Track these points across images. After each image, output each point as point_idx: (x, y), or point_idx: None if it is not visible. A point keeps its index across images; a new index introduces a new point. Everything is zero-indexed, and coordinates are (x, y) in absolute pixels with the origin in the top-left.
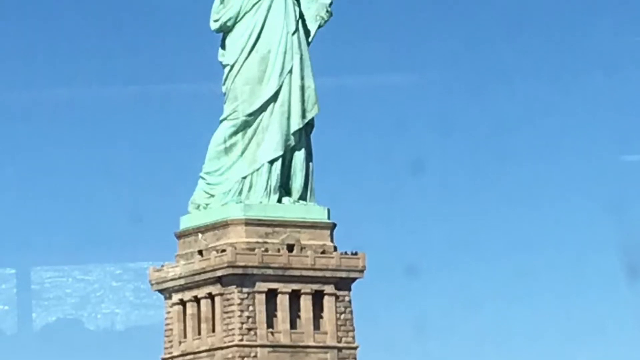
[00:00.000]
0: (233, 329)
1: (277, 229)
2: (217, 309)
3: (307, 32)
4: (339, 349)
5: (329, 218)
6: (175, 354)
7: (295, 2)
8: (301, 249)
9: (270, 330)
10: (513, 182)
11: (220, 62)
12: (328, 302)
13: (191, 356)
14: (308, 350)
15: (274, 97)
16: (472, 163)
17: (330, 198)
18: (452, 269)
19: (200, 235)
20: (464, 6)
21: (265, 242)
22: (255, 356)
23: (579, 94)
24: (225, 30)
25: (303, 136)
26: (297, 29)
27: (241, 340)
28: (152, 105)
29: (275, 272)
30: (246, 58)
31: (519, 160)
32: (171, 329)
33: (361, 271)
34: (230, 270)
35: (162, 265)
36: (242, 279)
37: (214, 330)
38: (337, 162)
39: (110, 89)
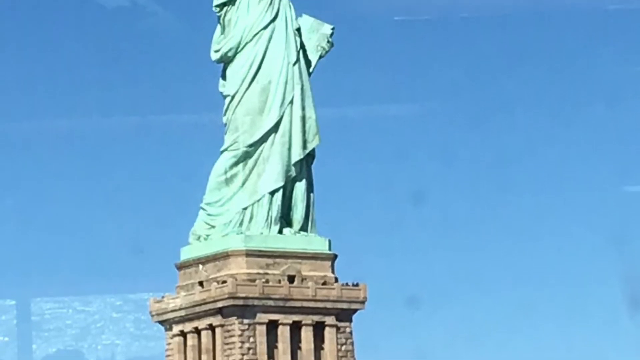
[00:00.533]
0: None
1: (278, 260)
2: (217, 340)
3: (308, 63)
4: None
5: (330, 249)
6: None
7: (296, 32)
8: (302, 280)
9: None
10: (515, 213)
11: (221, 93)
12: (329, 334)
13: None
14: None
15: (275, 128)
16: (474, 194)
17: (331, 229)
18: (453, 300)
19: (200, 266)
20: (466, 37)
21: (266, 273)
22: None
23: (581, 125)
24: (226, 60)
25: (304, 167)
26: (298, 60)
27: None
28: (152, 136)
29: (276, 303)
30: (247, 89)
31: (521, 191)
32: None
33: (362, 302)
34: (231, 302)
35: (163, 297)
36: (243, 310)
37: None
38: (338, 193)
39: (111, 120)
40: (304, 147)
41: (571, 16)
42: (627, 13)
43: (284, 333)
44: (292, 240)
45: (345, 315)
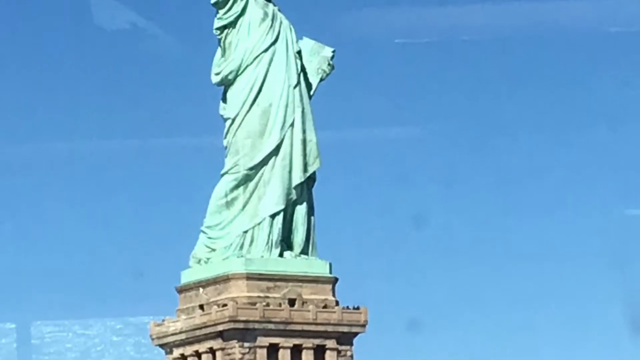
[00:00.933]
0: None
1: (278, 283)
2: None
3: (308, 86)
4: None
5: (330, 272)
6: None
7: (297, 55)
8: (303, 303)
9: None
10: (516, 236)
11: (222, 116)
12: (330, 357)
13: None
14: None
15: (276, 151)
16: (475, 217)
17: (332, 252)
18: (454, 323)
19: (201, 289)
20: (467, 60)
21: (267, 297)
22: None
23: (583, 147)
24: (226, 83)
25: (305, 190)
26: (298, 83)
27: None
28: (152, 159)
29: (277, 326)
30: (247, 111)
31: (522, 214)
32: None
33: (363, 326)
34: (231, 325)
35: (163, 320)
36: (244, 333)
37: None
38: (339, 216)
39: (111, 143)
40: (305, 170)
41: (572, 39)
42: (628, 36)
43: (284, 356)
44: (293, 263)
45: (346, 338)
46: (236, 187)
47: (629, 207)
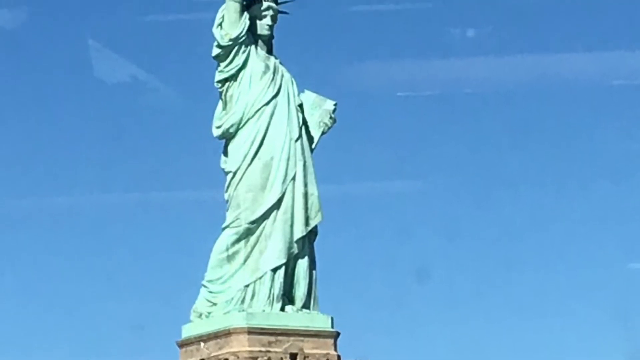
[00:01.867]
0: None
1: (280, 337)
2: None
3: (310, 139)
4: None
5: (332, 327)
6: None
7: (299, 108)
8: (304, 358)
9: None
10: (519, 290)
11: (223, 169)
12: None
13: None
14: None
15: (277, 205)
16: (478, 270)
17: (334, 306)
18: None
19: (202, 344)
20: (469, 113)
21: (268, 351)
22: None
23: (585, 201)
24: (227, 136)
25: (306, 244)
26: (300, 136)
27: None
28: (153, 213)
29: None
30: (249, 165)
31: (525, 267)
32: None
33: None
34: None
35: None
36: None
37: None
38: (341, 270)
39: (111, 196)
40: (306, 224)
41: (575, 92)
42: (632, 89)
43: None
44: (295, 317)
45: None
46: (237, 241)
47: (632, 261)
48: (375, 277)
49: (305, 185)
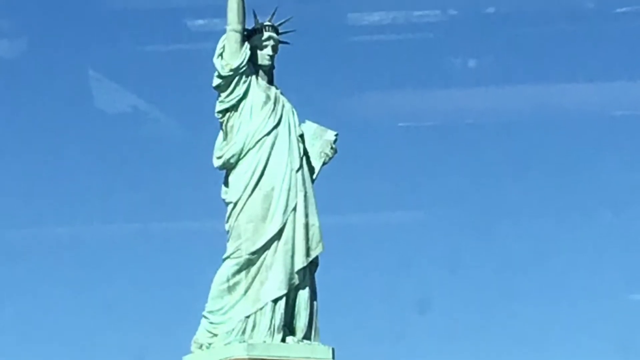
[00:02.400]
0: None
1: None
2: None
3: (311, 169)
4: None
5: (333, 358)
6: None
7: (299, 138)
8: None
9: None
10: (520, 321)
11: (223, 200)
12: None
13: None
14: None
15: (278, 235)
16: (479, 302)
17: (335, 337)
18: None
19: None
20: (471, 143)
21: None
22: None
23: (587, 232)
24: (228, 167)
25: (307, 275)
26: (301, 166)
27: None
28: (153, 243)
29: None
30: (249, 196)
31: (527, 299)
32: None
33: None
34: None
35: None
36: None
37: None
38: (342, 301)
39: (112, 227)
40: (307, 254)
41: (576, 122)
42: (633, 119)
43: None
44: (295, 348)
45: None
46: (238, 271)
47: (633, 292)
48: (377, 308)
49: (306, 216)
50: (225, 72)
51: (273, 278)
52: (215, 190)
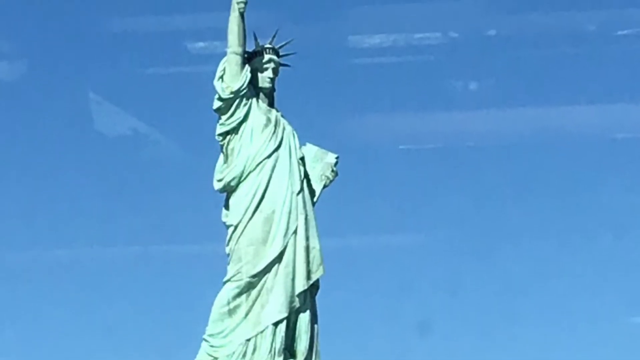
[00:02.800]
0: None
1: None
2: None
3: (312, 192)
4: None
5: None
6: None
7: (300, 161)
8: None
9: None
10: (521, 344)
11: (224, 223)
12: None
13: None
14: None
15: (279, 258)
16: (480, 324)
17: None
18: None
19: None
20: (472, 166)
21: None
22: None
23: (588, 255)
24: (229, 190)
25: (308, 298)
26: (302, 189)
27: None
28: (154, 266)
29: None
30: (250, 218)
31: (527, 321)
32: None
33: None
34: None
35: None
36: None
37: None
38: (343, 324)
39: (112, 250)
40: (308, 277)
41: (578, 145)
42: (634, 142)
43: None
44: None
45: None
46: (239, 294)
47: (634, 315)
48: (377, 331)
49: (307, 238)
50: (225, 94)
51: (274, 301)
52: (215, 213)
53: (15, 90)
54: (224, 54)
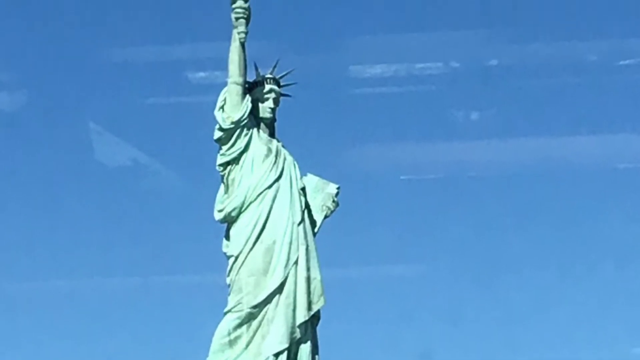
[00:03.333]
0: None
1: None
2: None
3: (313, 223)
4: None
5: None
6: None
7: (301, 192)
8: None
9: None
10: None
11: (225, 253)
12: None
13: None
14: None
15: (279, 289)
16: (482, 355)
17: None
18: None
19: None
20: (473, 196)
21: None
22: None
23: (589, 285)
24: (229, 220)
25: (309, 328)
26: (302, 220)
27: None
28: (154, 297)
29: None
30: (251, 249)
31: (529, 351)
32: None
33: None
34: None
35: None
36: None
37: None
38: (344, 355)
39: (112, 280)
40: (309, 308)
41: (579, 175)
42: (636, 172)
43: None
44: None
45: None
46: (239, 325)
47: (636, 346)
48: None
49: (308, 269)
50: (226, 124)
51: (274, 332)
52: (216, 243)
53: (15, 121)
54: (225, 84)
